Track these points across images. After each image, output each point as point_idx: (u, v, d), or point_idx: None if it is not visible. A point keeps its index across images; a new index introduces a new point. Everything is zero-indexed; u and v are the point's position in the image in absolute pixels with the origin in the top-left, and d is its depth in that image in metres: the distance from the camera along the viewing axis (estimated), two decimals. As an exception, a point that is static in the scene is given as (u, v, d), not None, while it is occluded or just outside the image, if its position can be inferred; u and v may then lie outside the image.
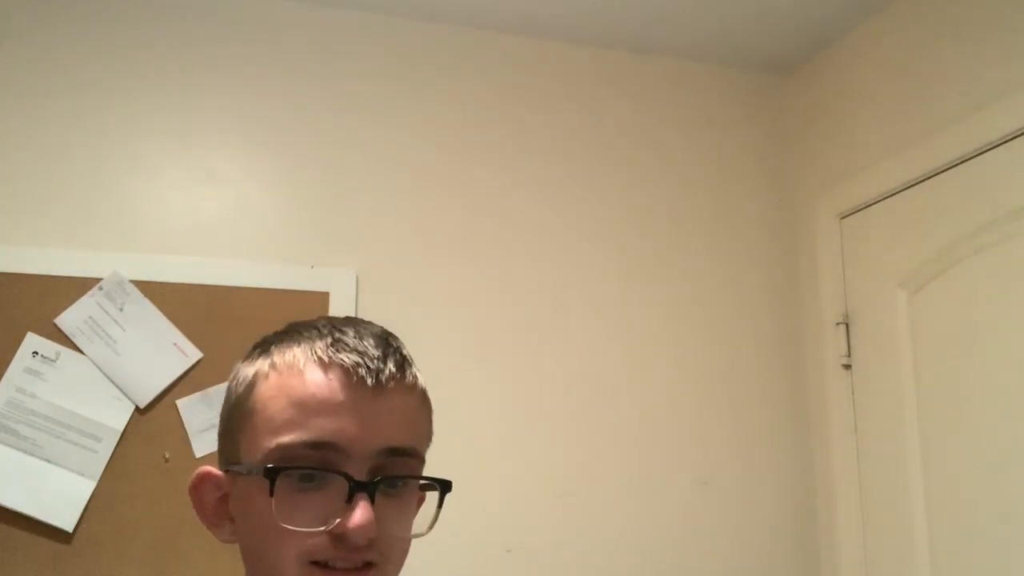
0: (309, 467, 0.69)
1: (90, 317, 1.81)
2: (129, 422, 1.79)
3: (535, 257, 2.12)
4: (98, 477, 1.76)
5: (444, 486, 0.74)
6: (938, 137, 1.86)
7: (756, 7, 2.09)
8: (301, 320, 0.79)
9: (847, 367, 2.08)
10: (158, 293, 1.86)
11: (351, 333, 0.74)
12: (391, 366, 0.73)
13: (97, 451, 1.77)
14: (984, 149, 1.76)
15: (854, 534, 2.02)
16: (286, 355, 0.73)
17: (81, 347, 1.80)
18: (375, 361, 0.72)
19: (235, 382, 0.77)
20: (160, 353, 1.83)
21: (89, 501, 1.75)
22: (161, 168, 1.95)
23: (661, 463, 2.09)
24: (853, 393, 2.07)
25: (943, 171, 1.85)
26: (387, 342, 0.75)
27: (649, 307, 2.16)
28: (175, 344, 1.85)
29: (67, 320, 1.80)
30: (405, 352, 0.76)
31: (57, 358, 1.79)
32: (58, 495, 1.73)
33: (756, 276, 2.25)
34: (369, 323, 0.77)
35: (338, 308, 1.93)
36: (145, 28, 1.99)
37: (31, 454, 1.74)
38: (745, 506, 2.11)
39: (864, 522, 2.00)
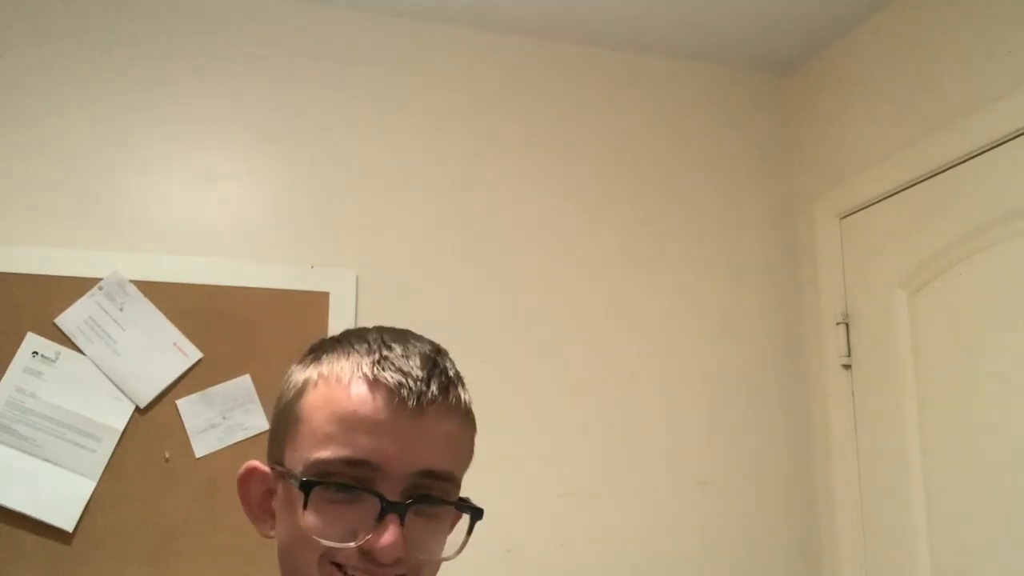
0: (343, 483, 0.71)
1: (90, 317, 1.81)
2: (129, 422, 1.79)
3: (535, 257, 2.12)
4: (98, 477, 1.76)
5: (475, 513, 0.76)
6: (938, 137, 1.86)
7: (756, 7, 2.09)
8: (360, 328, 0.81)
9: (847, 367, 2.08)
10: (158, 293, 1.86)
11: (399, 351, 0.75)
12: (434, 388, 0.73)
13: (97, 451, 1.77)
14: (984, 149, 1.76)
15: (854, 534, 2.02)
16: (335, 366, 0.75)
17: (81, 347, 1.80)
18: (418, 383, 0.73)
19: (287, 385, 0.79)
20: (160, 353, 1.83)
21: (89, 501, 1.75)
22: (161, 168, 1.95)
23: (661, 463, 2.09)
24: (853, 393, 2.07)
25: (943, 171, 1.85)
26: (434, 362, 0.75)
27: (649, 307, 2.16)
28: (175, 344, 1.85)
29: (67, 320, 1.80)
30: (452, 372, 0.77)
31: (57, 358, 1.79)
32: (58, 495, 1.73)
33: (756, 276, 2.25)
34: (420, 339, 0.78)
35: (338, 308, 1.94)
36: (145, 28, 1.99)
37: (31, 454, 1.74)
38: (745, 506, 2.11)
39: (864, 522, 2.00)
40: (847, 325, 2.10)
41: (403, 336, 0.78)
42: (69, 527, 1.73)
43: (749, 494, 2.12)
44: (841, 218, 2.14)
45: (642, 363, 2.13)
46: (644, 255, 2.19)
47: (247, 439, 1.83)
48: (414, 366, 0.74)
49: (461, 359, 0.79)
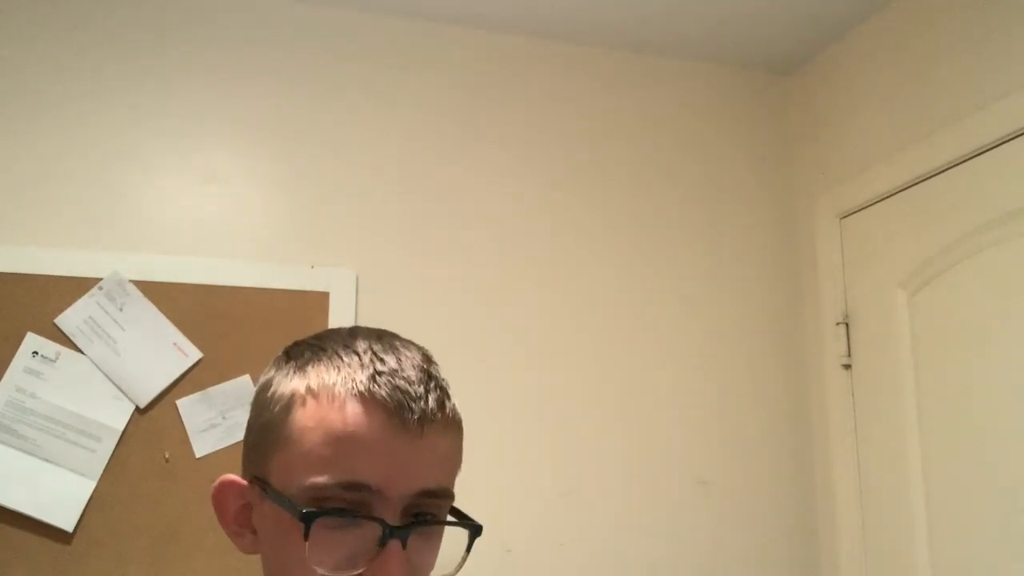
0: (344, 512, 0.68)
1: (90, 317, 1.81)
2: (129, 422, 1.79)
3: (535, 256, 2.12)
4: (98, 477, 1.76)
5: (475, 530, 0.73)
6: (938, 137, 1.86)
7: (756, 7, 2.09)
8: (336, 331, 0.77)
9: (847, 367, 2.08)
10: (158, 293, 1.86)
11: (392, 363, 0.71)
12: (432, 404, 0.71)
13: (97, 451, 1.77)
14: (984, 149, 1.76)
15: (854, 534, 2.02)
16: (325, 380, 0.71)
17: (81, 347, 1.80)
18: (417, 401, 0.70)
19: (269, 396, 0.74)
20: (160, 353, 1.83)
21: (89, 501, 1.75)
22: (161, 168, 1.95)
23: (661, 463, 2.09)
24: (853, 393, 2.07)
25: (943, 171, 1.85)
26: (428, 374, 0.72)
27: (649, 307, 2.16)
28: (175, 344, 1.85)
29: (67, 320, 1.80)
30: (444, 383, 0.74)
31: (57, 358, 1.79)
32: (58, 495, 1.73)
33: (756, 276, 2.25)
34: (408, 346, 0.75)
35: (338, 308, 1.93)
36: (145, 29, 1.99)
37: (31, 454, 1.74)
38: (745, 506, 2.11)
39: (864, 522, 2.00)
40: (847, 325, 2.10)
41: (392, 346, 0.74)
42: (69, 527, 1.73)
43: (749, 494, 2.12)
44: (841, 218, 2.14)
45: (642, 363, 2.13)
46: (644, 255, 2.19)
47: (247, 439, 1.83)
48: (411, 381, 0.71)
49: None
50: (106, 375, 1.80)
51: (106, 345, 1.81)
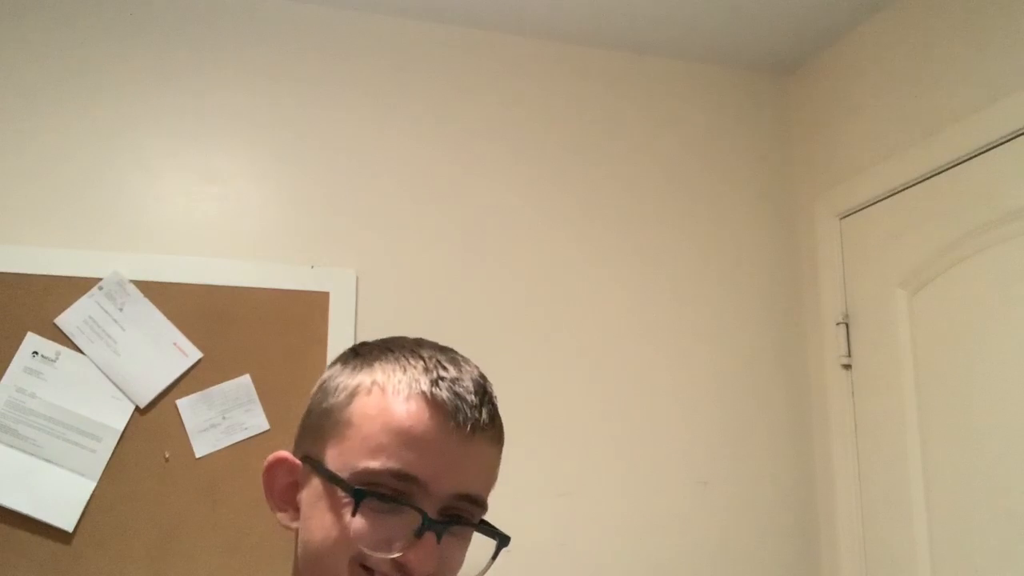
0: (393, 496, 0.73)
1: (90, 317, 1.81)
2: (129, 422, 1.79)
3: (534, 258, 2.12)
4: (98, 477, 1.76)
5: (503, 540, 0.80)
6: (938, 137, 1.86)
7: (756, 7, 2.09)
8: (402, 339, 0.83)
9: (847, 367, 2.08)
10: (158, 293, 1.86)
11: (453, 372, 0.78)
12: (485, 415, 0.77)
13: (97, 451, 1.77)
14: (984, 149, 1.76)
15: (854, 534, 2.02)
16: (391, 377, 0.77)
17: (81, 347, 1.80)
18: (472, 409, 0.76)
19: (332, 386, 0.80)
20: (160, 353, 1.83)
21: (89, 501, 1.75)
22: (161, 168, 1.95)
23: (661, 463, 2.09)
24: (853, 393, 2.07)
25: (943, 171, 1.85)
26: (484, 389, 0.79)
27: (649, 307, 2.16)
28: (175, 344, 1.85)
29: (67, 320, 1.80)
30: (495, 401, 0.80)
31: (57, 358, 1.79)
32: (58, 495, 1.73)
33: (756, 276, 2.25)
34: (467, 362, 0.81)
35: (338, 308, 1.94)
36: (145, 29, 1.99)
37: (31, 454, 1.74)
38: (745, 506, 2.11)
39: (864, 522, 2.00)
40: (847, 325, 2.10)
41: (454, 359, 0.80)
42: (69, 527, 1.73)
43: (749, 494, 2.12)
44: (841, 218, 2.14)
45: (642, 363, 2.13)
46: (644, 255, 2.19)
47: (247, 439, 1.83)
48: (468, 391, 0.77)
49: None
50: (106, 375, 1.80)
51: (106, 345, 1.81)
